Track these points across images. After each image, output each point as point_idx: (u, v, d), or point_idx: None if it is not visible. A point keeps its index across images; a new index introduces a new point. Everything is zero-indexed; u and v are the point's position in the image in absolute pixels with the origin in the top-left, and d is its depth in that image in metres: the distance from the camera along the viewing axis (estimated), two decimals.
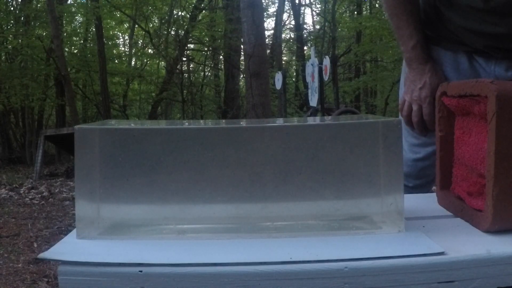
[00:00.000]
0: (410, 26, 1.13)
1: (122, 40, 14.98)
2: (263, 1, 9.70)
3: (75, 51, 11.72)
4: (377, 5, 12.78)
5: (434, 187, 0.97)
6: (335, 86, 6.61)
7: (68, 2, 11.47)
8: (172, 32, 12.63)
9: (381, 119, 0.73)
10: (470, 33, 1.07)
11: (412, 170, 1.25)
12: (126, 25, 13.36)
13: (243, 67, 9.58)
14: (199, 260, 0.62)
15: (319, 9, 15.35)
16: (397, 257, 0.62)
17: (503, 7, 0.97)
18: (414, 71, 1.14)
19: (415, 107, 1.12)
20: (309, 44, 13.95)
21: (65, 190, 4.87)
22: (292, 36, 15.00)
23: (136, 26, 12.62)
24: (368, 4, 13.74)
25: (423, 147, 1.23)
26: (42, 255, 0.63)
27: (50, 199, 4.42)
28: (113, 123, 0.81)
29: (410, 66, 1.15)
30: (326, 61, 5.71)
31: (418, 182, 1.26)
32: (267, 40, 9.98)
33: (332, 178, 0.72)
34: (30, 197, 4.52)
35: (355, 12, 13.82)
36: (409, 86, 1.15)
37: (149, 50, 13.63)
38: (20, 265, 2.55)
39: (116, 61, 12.66)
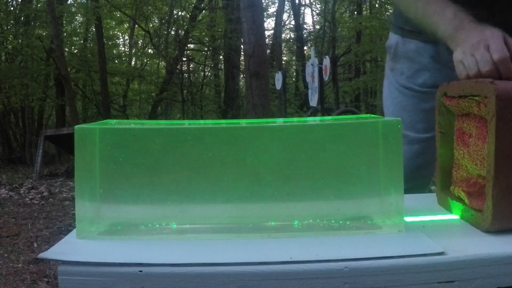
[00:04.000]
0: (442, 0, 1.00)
1: (122, 40, 14.99)
2: (263, 1, 9.70)
3: (75, 51, 11.72)
4: (377, 5, 12.79)
5: (434, 187, 0.97)
6: (335, 86, 6.61)
7: (68, 2, 11.47)
8: (172, 32, 12.63)
9: (381, 119, 0.73)
10: None
11: (405, 170, 1.21)
12: (126, 25, 13.36)
13: (243, 67, 9.58)
14: (199, 260, 0.62)
15: (319, 9, 15.36)
16: (397, 257, 0.62)
17: None
18: (471, 32, 0.92)
19: (491, 66, 0.84)
20: (309, 44, 13.95)
21: (65, 190, 4.87)
22: (292, 36, 15.01)
23: (136, 26, 12.62)
24: (368, 4, 13.74)
25: (419, 143, 1.22)
26: (42, 255, 0.63)
27: (50, 199, 4.42)
28: (113, 123, 0.81)
29: (463, 30, 0.94)
30: (326, 61, 5.72)
31: (410, 185, 1.12)
32: (267, 40, 9.99)
33: (332, 178, 0.72)
34: (30, 197, 4.52)
35: (355, 12, 13.82)
36: (475, 52, 0.88)
37: (149, 50, 13.64)
38: (20, 265, 2.55)
39: (116, 61, 12.65)
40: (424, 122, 1.21)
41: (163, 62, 13.23)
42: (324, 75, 5.77)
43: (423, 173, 1.26)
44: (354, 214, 0.73)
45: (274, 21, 13.62)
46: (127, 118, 10.81)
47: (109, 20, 12.08)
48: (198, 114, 12.97)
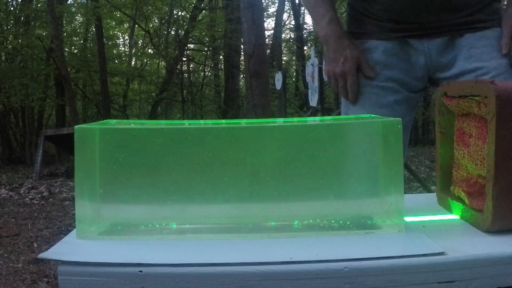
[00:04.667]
0: (326, 3, 1.20)
1: (122, 40, 14.99)
2: (263, 1, 9.70)
3: (75, 51, 11.72)
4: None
5: (434, 187, 0.97)
6: None
7: (68, 2, 11.48)
8: (172, 32, 12.63)
9: (381, 119, 0.73)
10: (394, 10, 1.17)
11: None
12: (126, 25, 13.36)
13: (243, 67, 9.58)
14: (199, 260, 0.62)
15: None
16: (397, 257, 0.62)
17: None
18: (332, 47, 1.20)
19: (341, 83, 1.21)
20: (309, 44, 13.94)
21: (65, 190, 4.87)
22: (292, 36, 15.01)
23: (136, 26, 12.63)
24: None
25: None
26: (42, 255, 0.63)
27: (50, 199, 4.43)
28: (113, 123, 0.81)
29: (327, 43, 1.20)
30: None
31: None
32: (267, 40, 9.98)
33: (332, 178, 0.72)
34: (30, 197, 4.52)
35: None
36: (331, 63, 1.22)
37: (149, 50, 13.65)
38: (20, 265, 2.55)
39: (116, 61, 12.67)
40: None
41: (163, 62, 13.24)
42: (324, 75, 5.76)
43: None
44: (354, 214, 0.73)
45: (274, 21, 13.63)
46: (127, 118, 10.81)
47: (109, 20, 12.09)
48: (198, 114, 12.98)
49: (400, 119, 0.71)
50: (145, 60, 13.84)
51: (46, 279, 2.35)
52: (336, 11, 1.22)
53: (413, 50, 1.21)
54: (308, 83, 6.34)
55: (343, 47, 1.19)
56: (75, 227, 0.72)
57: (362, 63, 1.20)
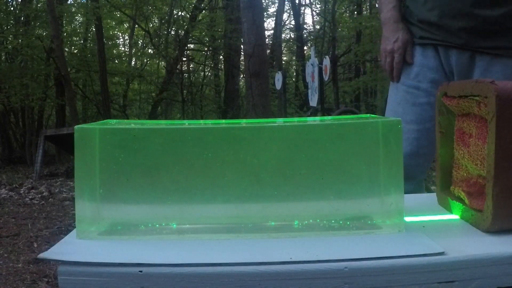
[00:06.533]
0: None
1: (122, 40, 14.99)
2: (263, 1, 9.70)
3: (75, 51, 11.72)
4: (377, 5, 12.76)
5: (434, 187, 0.98)
6: (335, 86, 6.60)
7: (68, 2, 11.47)
8: (172, 32, 12.63)
9: (381, 119, 0.73)
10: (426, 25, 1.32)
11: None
12: (126, 25, 13.36)
13: (243, 67, 9.58)
14: (199, 260, 0.62)
15: (319, 9, 15.35)
16: (397, 257, 0.62)
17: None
18: (389, 28, 1.38)
19: (389, 59, 1.37)
20: (309, 44, 13.95)
21: (65, 190, 4.87)
22: (292, 36, 15.00)
23: (136, 26, 12.62)
24: (368, 4, 13.74)
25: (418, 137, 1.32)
26: (42, 255, 0.63)
27: (50, 199, 4.42)
28: (113, 123, 0.81)
29: (386, 25, 1.39)
30: (326, 61, 5.72)
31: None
32: (267, 40, 9.98)
33: (332, 178, 0.72)
34: (30, 197, 4.52)
35: (355, 12, 13.81)
36: (385, 42, 1.39)
37: (149, 50, 13.64)
38: (20, 265, 2.55)
39: (116, 61, 12.66)
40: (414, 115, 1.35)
41: (163, 62, 13.24)
42: (324, 75, 5.77)
43: (412, 162, 1.32)
44: (354, 214, 0.73)
45: (274, 21, 13.63)
46: (127, 118, 10.81)
47: (109, 20, 12.09)
48: (198, 114, 12.97)
49: (400, 119, 0.71)
50: (145, 60, 13.83)
51: (46, 279, 2.35)
52: (400, 1, 1.38)
53: (442, 56, 1.31)
54: (308, 83, 6.35)
55: (398, 29, 1.36)
56: (75, 227, 0.72)
57: (409, 48, 1.35)
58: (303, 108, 11.41)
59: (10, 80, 8.74)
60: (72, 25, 11.90)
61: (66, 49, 10.82)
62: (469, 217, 0.78)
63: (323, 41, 13.65)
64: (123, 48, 14.80)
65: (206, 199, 0.72)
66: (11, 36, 9.65)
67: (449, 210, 0.85)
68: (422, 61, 1.33)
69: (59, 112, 10.85)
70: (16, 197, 4.54)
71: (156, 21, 13.06)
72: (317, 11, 15.56)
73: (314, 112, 6.11)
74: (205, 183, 0.72)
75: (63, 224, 3.50)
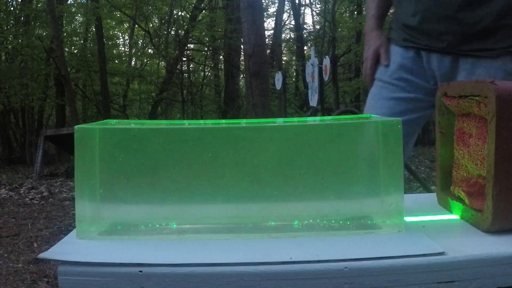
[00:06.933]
0: (374, 2, 1.47)
1: (122, 40, 14.99)
2: (263, 1, 9.70)
3: (75, 51, 11.72)
4: None
5: (434, 187, 0.98)
6: (335, 86, 6.61)
7: (68, 2, 11.47)
8: (172, 32, 12.63)
9: (381, 119, 0.73)
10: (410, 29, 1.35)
11: None
12: (126, 25, 13.36)
13: (243, 67, 9.58)
14: (199, 260, 0.62)
15: (319, 9, 15.34)
16: (397, 257, 0.62)
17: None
18: (366, 37, 1.48)
19: (363, 65, 1.48)
20: (309, 44, 13.95)
21: (65, 190, 4.87)
22: (292, 36, 15.00)
23: (136, 26, 12.62)
24: None
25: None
26: (42, 255, 0.63)
27: (50, 199, 4.42)
28: (113, 123, 0.81)
29: (365, 34, 1.49)
30: (326, 61, 5.71)
31: None
32: (267, 40, 9.98)
33: (332, 178, 0.72)
34: (30, 197, 4.52)
35: (355, 12, 13.81)
36: (365, 49, 1.49)
37: (149, 50, 13.65)
38: (20, 265, 2.55)
39: (116, 61, 12.66)
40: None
41: (163, 62, 13.24)
42: (324, 75, 5.76)
43: None
44: (354, 214, 0.73)
45: (274, 21, 13.63)
46: (127, 118, 10.81)
47: (109, 20, 12.09)
48: (198, 114, 12.97)
49: (400, 119, 0.71)
50: (145, 60, 13.84)
51: (46, 279, 2.35)
52: (380, 8, 1.47)
53: (424, 60, 1.35)
54: (308, 83, 6.35)
55: (371, 38, 1.45)
56: (75, 227, 0.72)
57: (381, 53, 1.42)
58: (303, 108, 11.41)
59: (10, 80, 8.74)
60: (72, 25, 11.90)
61: (66, 49, 10.83)
62: (469, 217, 0.78)
63: (323, 41, 13.65)
64: (123, 48, 14.82)
65: (206, 199, 0.72)
66: (11, 36, 9.66)
67: (449, 210, 0.85)
68: (401, 61, 1.37)
69: (59, 112, 10.86)
70: (16, 197, 4.55)
71: (156, 21, 13.06)
72: (317, 11, 15.56)
73: (314, 112, 6.10)
74: (205, 183, 0.72)
75: (63, 224, 3.50)
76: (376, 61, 1.43)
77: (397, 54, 1.38)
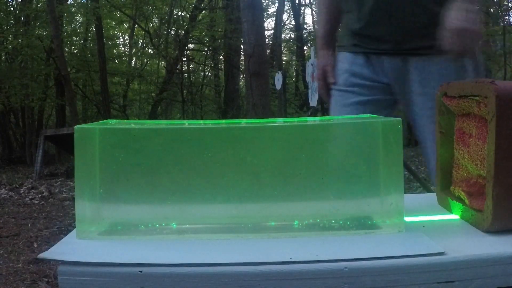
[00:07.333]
0: (323, 19, 1.51)
1: (122, 40, 14.99)
2: (263, 1, 9.70)
3: (75, 51, 11.72)
4: None
5: (434, 187, 0.98)
6: None
7: (68, 2, 11.47)
8: (172, 32, 12.63)
9: (381, 119, 0.73)
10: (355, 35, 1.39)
11: None
12: (126, 25, 13.36)
13: (243, 67, 9.58)
14: (199, 260, 0.62)
15: None
16: (397, 257, 0.62)
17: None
18: (317, 55, 1.53)
19: (317, 83, 1.54)
20: (309, 44, 13.93)
21: (65, 190, 4.87)
22: (292, 36, 14.99)
23: (136, 26, 12.62)
24: None
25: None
26: (42, 255, 0.63)
27: (50, 199, 4.42)
28: (113, 123, 0.81)
29: (318, 51, 1.53)
30: None
31: None
32: (267, 40, 9.98)
33: (332, 178, 0.72)
34: (30, 197, 4.52)
35: None
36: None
37: (149, 50, 13.64)
38: (20, 265, 2.55)
39: (116, 61, 12.66)
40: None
41: (163, 62, 13.24)
42: None
43: None
44: (354, 214, 0.73)
45: (274, 21, 13.63)
46: (127, 118, 10.81)
47: (109, 20, 12.08)
48: (198, 114, 12.97)
49: (400, 119, 0.71)
50: (145, 60, 13.84)
51: (46, 279, 2.35)
52: (328, 25, 1.50)
53: (375, 62, 1.39)
54: (308, 83, 6.34)
55: (318, 57, 1.51)
56: (75, 227, 0.72)
57: (327, 72, 1.47)
58: (303, 108, 11.40)
59: (10, 80, 8.74)
60: (72, 25, 11.90)
61: (66, 49, 10.82)
62: (469, 217, 0.78)
63: None
64: (123, 48, 14.82)
65: (206, 199, 0.72)
66: (11, 36, 9.66)
67: (449, 210, 0.85)
68: (350, 68, 1.41)
69: (59, 112, 10.86)
70: (16, 197, 4.55)
71: (156, 21, 13.06)
72: (317, 11, 15.52)
73: (314, 112, 6.10)
74: (205, 183, 0.72)
75: (63, 224, 3.50)
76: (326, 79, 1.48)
77: (347, 61, 1.42)
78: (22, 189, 4.92)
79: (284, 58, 15.73)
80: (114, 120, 0.89)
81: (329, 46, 1.51)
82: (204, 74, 14.82)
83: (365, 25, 1.34)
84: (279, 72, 7.06)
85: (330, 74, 1.45)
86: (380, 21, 1.30)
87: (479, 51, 1.25)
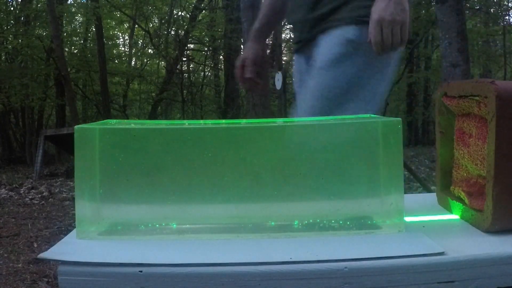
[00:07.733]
0: (261, 14, 1.49)
1: (122, 40, 14.99)
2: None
3: (75, 51, 11.72)
4: None
5: (434, 187, 0.98)
6: None
7: (68, 2, 11.48)
8: (172, 32, 12.63)
9: (381, 119, 0.73)
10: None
11: None
12: (126, 25, 13.36)
13: None
14: (199, 260, 0.62)
15: None
16: (397, 257, 0.62)
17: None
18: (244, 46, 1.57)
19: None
20: None
21: (65, 190, 4.87)
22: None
23: (136, 26, 12.63)
24: None
25: None
26: (42, 255, 0.63)
27: (50, 199, 4.42)
28: (113, 123, 0.81)
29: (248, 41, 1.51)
30: None
31: None
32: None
33: (332, 178, 0.72)
34: (30, 197, 4.52)
35: None
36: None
37: (149, 50, 13.65)
38: (20, 265, 2.55)
39: (116, 61, 12.66)
40: None
41: (163, 62, 13.24)
42: None
43: None
44: (354, 214, 0.73)
45: None
46: (127, 118, 10.81)
47: (109, 20, 12.09)
48: (198, 114, 12.97)
49: (400, 119, 0.71)
50: (145, 60, 13.84)
51: (46, 279, 2.35)
52: (264, 19, 1.48)
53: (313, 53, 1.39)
54: None
55: (244, 49, 1.50)
56: (75, 227, 0.72)
57: (246, 65, 1.42)
58: None
59: (10, 80, 8.74)
60: (72, 25, 11.91)
61: (66, 49, 10.83)
62: (469, 217, 0.78)
63: None
64: (123, 48, 14.82)
65: (206, 199, 0.72)
66: (11, 36, 9.66)
67: (449, 210, 0.85)
68: (298, 68, 1.47)
69: (59, 112, 10.86)
70: (16, 197, 4.55)
71: (156, 21, 13.06)
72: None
73: None
74: (205, 183, 0.72)
75: (63, 224, 3.50)
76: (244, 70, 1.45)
77: (296, 62, 1.48)
78: (22, 189, 4.91)
79: (284, 58, 15.72)
80: (114, 120, 0.89)
81: (258, 40, 1.48)
82: (204, 74, 14.83)
83: (290, 20, 1.40)
84: (279, 72, 7.05)
85: (248, 69, 1.41)
86: (295, 11, 1.35)
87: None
